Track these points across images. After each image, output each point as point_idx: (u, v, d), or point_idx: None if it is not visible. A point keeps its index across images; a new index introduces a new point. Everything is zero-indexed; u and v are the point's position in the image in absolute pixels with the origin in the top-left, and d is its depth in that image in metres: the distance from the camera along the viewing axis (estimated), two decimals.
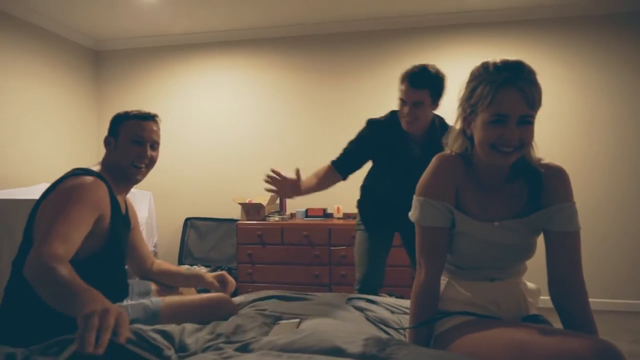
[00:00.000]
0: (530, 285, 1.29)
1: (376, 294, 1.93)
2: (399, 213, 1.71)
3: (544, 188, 1.15)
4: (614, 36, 3.59)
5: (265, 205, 3.69)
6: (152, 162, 1.48)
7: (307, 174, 3.91)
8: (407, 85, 1.74)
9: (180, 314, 1.23)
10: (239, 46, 4.13)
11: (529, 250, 1.22)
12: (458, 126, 1.18)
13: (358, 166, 1.97)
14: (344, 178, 1.97)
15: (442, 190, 1.18)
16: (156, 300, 1.25)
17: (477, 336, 1.09)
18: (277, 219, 3.70)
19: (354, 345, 1.03)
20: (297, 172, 1.77)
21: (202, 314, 1.25)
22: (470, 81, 1.11)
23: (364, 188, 2.14)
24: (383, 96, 3.83)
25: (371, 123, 1.95)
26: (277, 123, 4.08)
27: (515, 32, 3.71)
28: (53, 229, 1.10)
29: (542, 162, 1.18)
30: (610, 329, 3.19)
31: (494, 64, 1.07)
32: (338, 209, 3.77)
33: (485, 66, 1.08)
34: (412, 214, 1.22)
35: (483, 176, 1.19)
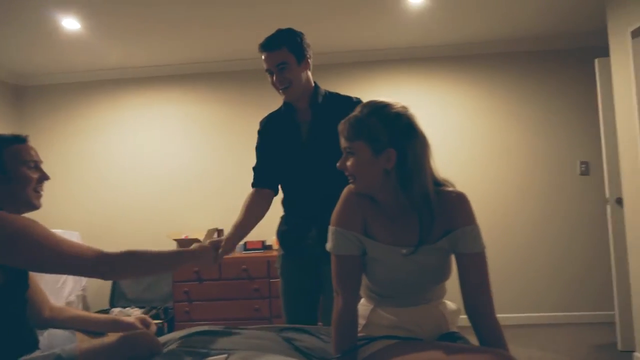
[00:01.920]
0: (450, 305, 1.35)
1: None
2: (312, 212, 1.62)
3: (447, 213, 1.20)
4: (526, 72, 3.98)
5: (202, 240, 3.59)
6: (43, 181, 1.42)
7: (236, 201, 3.80)
8: (264, 52, 1.69)
9: (101, 357, 1.17)
10: (170, 81, 4.14)
11: (442, 273, 1.27)
12: None
13: (276, 172, 1.85)
14: (275, 191, 1.86)
15: (350, 219, 1.23)
16: (70, 348, 1.18)
17: (399, 358, 1.13)
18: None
19: None
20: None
21: (124, 355, 1.19)
22: None
23: (282, 204, 1.92)
24: None
25: (261, 121, 1.90)
26: (211, 157, 4.08)
27: (441, 67, 4.01)
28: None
29: (446, 189, 1.23)
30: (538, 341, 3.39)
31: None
32: (277, 240, 3.74)
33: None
34: (328, 244, 1.26)
35: (385, 205, 1.24)
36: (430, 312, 1.28)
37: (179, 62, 4.04)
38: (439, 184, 1.24)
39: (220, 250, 1.67)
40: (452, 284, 1.31)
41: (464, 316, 1.26)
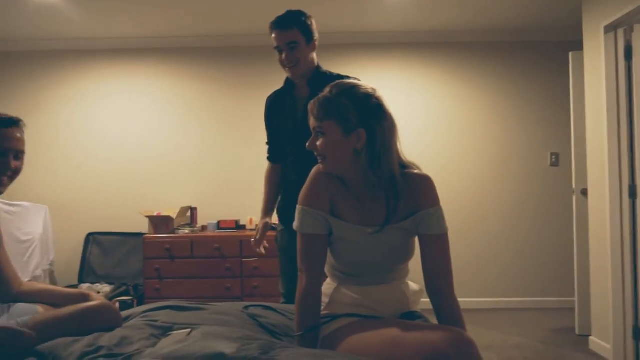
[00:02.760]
0: (412, 285, 1.38)
1: None
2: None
3: (411, 195, 1.23)
4: (504, 62, 4.02)
5: (174, 217, 3.61)
6: (15, 173, 1.34)
7: (217, 185, 3.83)
8: (276, 30, 1.79)
9: (55, 329, 1.15)
10: (147, 54, 4.04)
11: (406, 253, 1.30)
12: None
13: (282, 147, 1.97)
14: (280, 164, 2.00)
15: (317, 199, 1.24)
16: (23, 320, 1.16)
17: (358, 336, 1.16)
18: (187, 231, 3.63)
19: (238, 350, 1.05)
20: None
21: (81, 326, 1.18)
22: None
23: (282, 179, 2.03)
24: None
25: (268, 97, 2.01)
26: (187, 133, 4.03)
27: (420, 53, 4.02)
28: None
29: (412, 171, 1.26)
30: (499, 323, 3.51)
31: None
32: (251, 220, 3.77)
33: None
34: (295, 223, 1.27)
35: (352, 185, 1.26)
36: (393, 291, 1.30)
37: (156, 35, 3.93)
38: (405, 166, 1.26)
39: (257, 237, 1.99)
40: (416, 264, 1.34)
41: (427, 300, 1.29)
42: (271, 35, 1.81)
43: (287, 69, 1.83)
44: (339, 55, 3.87)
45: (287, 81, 1.93)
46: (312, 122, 1.22)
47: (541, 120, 4.00)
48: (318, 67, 1.89)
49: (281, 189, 2.03)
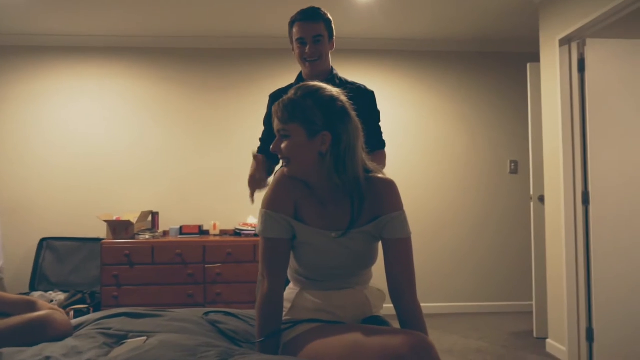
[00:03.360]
0: (376, 290, 1.38)
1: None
2: None
3: (375, 199, 1.23)
4: (466, 71, 4.13)
5: (134, 222, 3.52)
6: None
7: (179, 190, 3.66)
8: (302, 22, 1.76)
9: (2, 339, 1.09)
10: (107, 54, 3.93)
11: (370, 257, 1.30)
12: None
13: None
14: (274, 163, 1.88)
15: (281, 202, 1.23)
16: None
17: (320, 341, 1.15)
18: (147, 237, 3.54)
19: (196, 358, 1.02)
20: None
21: (27, 337, 1.12)
22: None
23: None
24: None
25: (271, 94, 1.91)
26: (149, 136, 3.94)
27: (385, 60, 4.07)
28: None
29: (375, 175, 1.26)
30: (463, 327, 3.58)
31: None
32: (215, 225, 3.73)
33: None
34: (257, 227, 1.27)
35: (316, 189, 1.25)
36: (355, 296, 1.30)
37: (121, 34, 3.84)
38: (369, 170, 1.27)
39: (258, 175, 1.71)
40: (379, 269, 1.35)
41: (390, 305, 1.30)
42: (291, 28, 1.78)
43: (307, 63, 1.79)
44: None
45: (299, 79, 1.87)
46: (276, 124, 1.21)
47: (502, 128, 4.11)
48: (332, 70, 1.88)
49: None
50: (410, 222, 1.28)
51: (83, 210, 3.81)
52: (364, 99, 1.38)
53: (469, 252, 4.06)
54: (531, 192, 3.45)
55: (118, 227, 3.49)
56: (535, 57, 3.44)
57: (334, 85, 1.64)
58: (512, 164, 4.11)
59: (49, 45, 3.86)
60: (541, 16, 3.17)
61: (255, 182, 1.69)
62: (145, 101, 3.94)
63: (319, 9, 1.80)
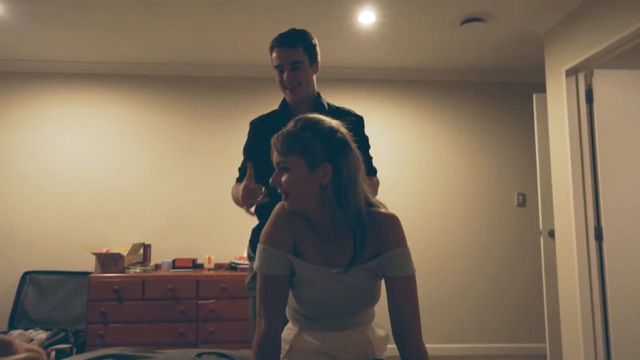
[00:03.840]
0: (378, 331, 1.33)
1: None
2: None
3: (377, 235, 1.20)
4: (472, 102, 4.09)
5: (125, 255, 3.42)
6: None
7: (172, 221, 3.50)
8: (279, 47, 1.67)
9: None
10: (103, 80, 3.89)
11: (372, 296, 1.25)
12: None
13: (261, 177, 1.69)
14: None
15: (279, 238, 1.21)
16: None
17: None
18: (138, 270, 3.41)
19: None
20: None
21: None
22: None
23: (257, 214, 1.78)
24: None
25: (252, 122, 1.84)
26: (141, 165, 3.86)
27: (389, 90, 4.04)
28: None
29: (378, 210, 1.23)
30: None
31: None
32: (209, 259, 3.63)
33: None
34: (255, 263, 1.23)
35: (316, 223, 1.23)
36: (357, 337, 1.26)
37: (114, 60, 3.80)
38: (370, 204, 1.24)
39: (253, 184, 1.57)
40: (382, 309, 1.28)
41: (394, 346, 1.22)
42: (271, 53, 1.70)
43: (287, 90, 1.72)
44: None
45: (284, 106, 1.80)
46: (275, 157, 1.20)
47: (508, 159, 4.03)
48: (319, 96, 1.80)
49: (257, 223, 1.84)
50: (413, 256, 1.25)
51: (70, 242, 3.68)
52: (353, 125, 1.29)
53: (473, 289, 3.91)
54: (540, 227, 3.36)
55: (107, 260, 3.37)
56: (541, 87, 3.42)
57: (323, 111, 1.70)
58: (520, 197, 4.02)
59: (38, 71, 3.82)
60: (546, 47, 3.16)
61: (251, 193, 1.58)
62: (138, 129, 3.88)
63: (299, 32, 1.71)
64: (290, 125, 1.20)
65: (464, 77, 4.10)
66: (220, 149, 3.88)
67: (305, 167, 1.16)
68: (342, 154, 1.17)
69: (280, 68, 1.70)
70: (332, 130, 1.19)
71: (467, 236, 3.97)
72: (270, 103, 4.04)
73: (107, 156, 3.84)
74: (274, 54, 1.69)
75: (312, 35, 1.74)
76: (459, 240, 3.96)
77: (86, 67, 3.85)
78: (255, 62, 3.81)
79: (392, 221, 1.22)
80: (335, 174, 1.16)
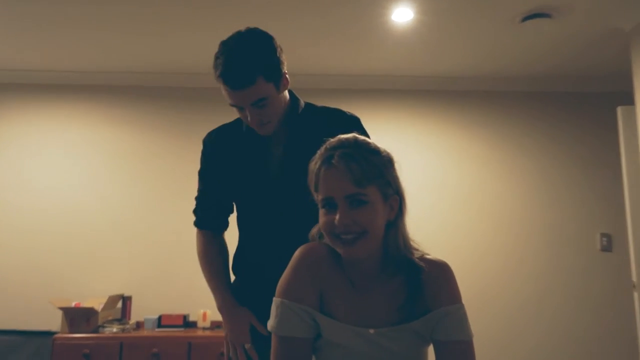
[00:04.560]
0: None
1: None
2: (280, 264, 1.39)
3: (426, 288, 1.19)
4: (533, 118, 4.02)
5: (99, 310, 3.37)
6: None
7: (159, 268, 3.85)
8: (228, 89, 1.48)
9: None
10: (61, 92, 3.88)
11: None
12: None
13: (225, 208, 1.75)
14: (224, 228, 1.77)
15: (302, 290, 1.19)
16: None
17: None
18: (115, 330, 3.37)
19: None
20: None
21: None
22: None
23: (236, 258, 1.77)
24: None
25: (207, 138, 1.74)
26: (123, 199, 3.82)
27: (426, 102, 4.00)
28: None
29: (425, 256, 1.21)
30: None
31: (329, 142, 1.20)
32: (204, 315, 3.57)
33: (323, 146, 1.21)
34: (270, 322, 1.20)
35: (352, 271, 1.20)
36: None
37: (82, 69, 3.82)
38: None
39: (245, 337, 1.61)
40: None
41: None
42: (218, 81, 1.51)
43: (254, 127, 1.58)
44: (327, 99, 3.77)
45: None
46: (343, 187, 1.14)
47: (588, 191, 3.92)
48: (293, 100, 1.67)
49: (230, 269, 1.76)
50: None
51: (30, 293, 3.61)
52: (343, 126, 1.27)
53: (544, 354, 3.71)
54: (633, 278, 3.09)
55: (77, 317, 3.29)
56: (628, 98, 3.27)
57: (296, 115, 1.65)
58: (604, 239, 3.87)
59: None
60: (633, 47, 2.99)
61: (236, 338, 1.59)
62: (118, 154, 3.86)
63: (250, 53, 1.48)
64: (348, 144, 1.17)
65: (525, 87, 4.04)
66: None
67: (381, 200, 1.17)
68: (399, 183, 1.20)
69: (239, 107, 1.54)
70: (387, 152, 1.21)
71: (537, 290, 3.81)
72: None
73: (79, 187, 3.80)
74: (224, 92, 1.51)
75: (268, 41, 1.52)
76: (524, 294, 3.80)
77: (45, 77, 3.86)
78: None
79: (444, 270, 1.20)
80: (400, 207, 1.20)
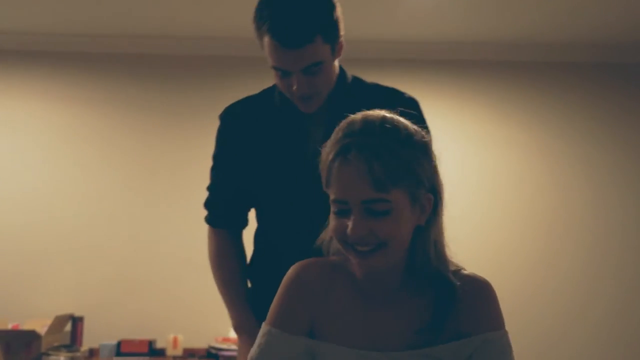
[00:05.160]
0: None
1: None
2: None
3: (460, 309, 1.19)
4: (585, 94, 4.01)
5: (43, 334, 3.27)
6: None
7: (117, 282, 3.87)
8: (282, 48, 1.47)
9: None
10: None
11: None
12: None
13: (245, 202, 1.76)
14: (242, 227, 1.78)
15: (294, 316, 1.21)
16: None
17: None
18: (62, 358, 3.28)
19: None
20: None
21: None
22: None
23: (254, 262, 1.81)
24: None
25: (227, 114, 1.74)
26: (74, 194, 3.75)
27: (456, 73, 4.02)
28: None
29: (462, 272, 1.22)
30: None
31: (348, 123, 1.15)
32: (175, 340, 3.50)
33: (340, 127, 1.16)
34: (252, 352, 1.23)
35: (366, 285, 1.22)
36: None
37: (31, 30, 3.79)
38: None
39: None
40: None
41: None
42: (261, 39, 1.53)
43: (294, 98, 1.59)
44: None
45: (283, 98, 1.68)
46: (360, 190, 1.12)
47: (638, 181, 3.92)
48: (342, 72, 1.68)
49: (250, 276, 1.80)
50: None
51: None
52: (409, 116, 1.24)
53: None
54: None
55: (14, 342, 3.20)
56: None
57: (352, 96, 1.65)
58: None
59: None
60: None
61: None
62: (65, 137, 3.79)
63: (306, 13, 1.49)
64: (372, 134, 1.13)
65: (579, 56, 4.01)
66: (199, 167, 3.72)
67: (408, 204, 1.13)
68: (437, 176, 1.18)
69: (282, 72, 1.55)
70: (423, 137, 1.17)
71: (589, 301, 3.82)
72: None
73: (11, 180, 3.72)
74: (269, 49, 1.51)
75: None
76: (578, 308, 3.81)
77: None
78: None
79: (485, 289, 1.20)
80: (434, 208, 1.18)
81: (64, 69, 3.86)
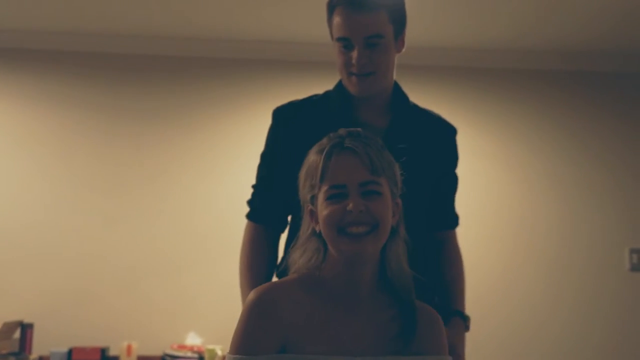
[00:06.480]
0: None
1: None
2: None
3: (421, 329, 1.27)
4: (551, 105, 4.09)
5: None
6: None
7: (68, 286, 3.91)
8: (349, 10, 1.61)
9: None
10: None
11: None
12: (307, 228, 1.31)
13: (289, 204, 1.77)
14: (283, 228, 1.82)
15: (261, 339, 1.22)
16: None
17: None
18: None
19: None
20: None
21: None
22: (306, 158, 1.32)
23: (283, 263, 1.82)
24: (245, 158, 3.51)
25: (280, 112, 1.80)
26: (25, 195, 3.78)
27: (446, 81, 4.09)
28: None
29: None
30: None
31: (331, 134, 1.30)
32: (129, 348, 3.47)
33: (324, 138, 1.30)
34: None
35: (336, 290, 1.26)
36: None
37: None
38: None
39: None
40: None
41: None
42: (331, 16, 1.66)
43: (353, 78, 1.67)
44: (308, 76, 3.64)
45: (342, 96, 1.77)
46: (361, 174, 1.25)
47: (616, 199, 4.00)
48: (398, 86, 1.80)
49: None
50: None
51: None
52: (445, 139, 1.51)
53: None
54: None
55: None
56: None
57: (407, 104, 1.83)
58: (634, 256, 3.95)
59: None
60: None
61: None
62: (21, 140, 3.82)
63: None
64: (362, 134, 1.30)
65: (548, 64, 4.08)
66: (152, 176, 3.82)
67: (389, 195, 1.26)
68: (401, 188, 1.32)
69: (346, 43, 1.64)
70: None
71: (554, 313, 3.89)
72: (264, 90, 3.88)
73: None
74: (337, 18, 1.65)
75: None
76: (541, 318, 3.87)
77: None
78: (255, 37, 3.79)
79: (434, 317, 1.30)
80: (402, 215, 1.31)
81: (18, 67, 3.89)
